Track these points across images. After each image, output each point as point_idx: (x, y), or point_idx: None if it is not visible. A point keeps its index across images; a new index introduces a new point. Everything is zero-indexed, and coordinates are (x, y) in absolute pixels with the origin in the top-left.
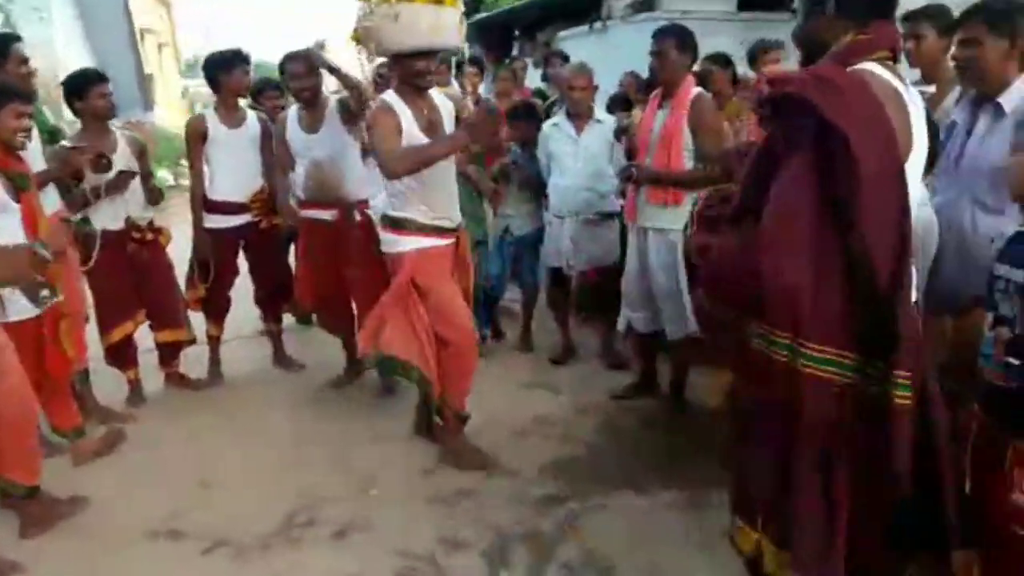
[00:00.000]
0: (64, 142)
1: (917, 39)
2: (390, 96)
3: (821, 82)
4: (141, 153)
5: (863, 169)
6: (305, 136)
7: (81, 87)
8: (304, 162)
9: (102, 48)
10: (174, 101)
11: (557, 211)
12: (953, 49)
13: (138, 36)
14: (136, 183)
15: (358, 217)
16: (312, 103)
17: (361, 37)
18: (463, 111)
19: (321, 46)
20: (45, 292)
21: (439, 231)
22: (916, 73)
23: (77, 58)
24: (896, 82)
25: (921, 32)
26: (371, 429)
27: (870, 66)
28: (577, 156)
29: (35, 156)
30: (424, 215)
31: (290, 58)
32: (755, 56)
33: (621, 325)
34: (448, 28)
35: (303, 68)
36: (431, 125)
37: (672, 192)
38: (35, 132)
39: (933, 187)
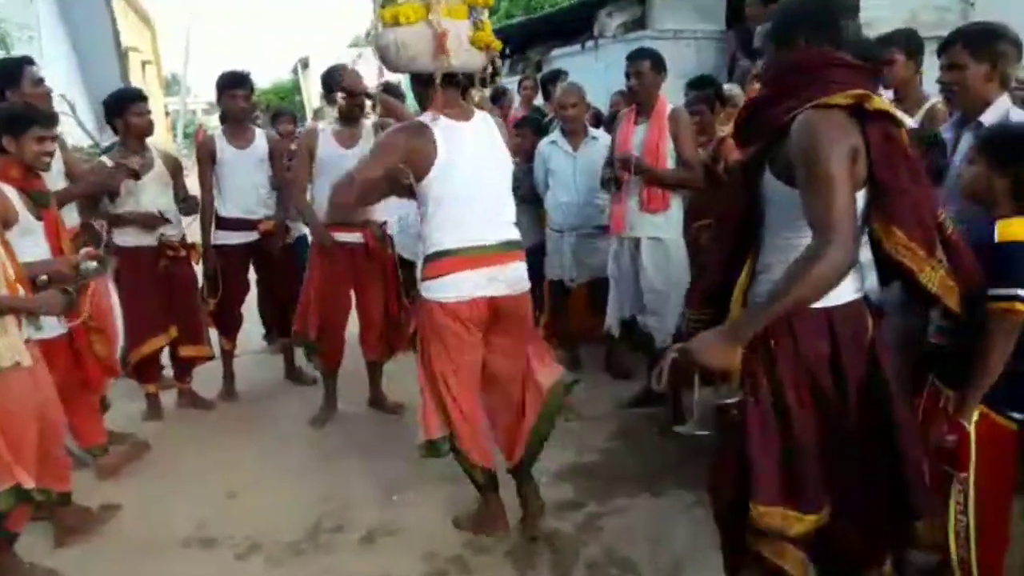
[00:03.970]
0: (103, 158)
1: (890, 63)
2: None
3: None
4: (176, 171)
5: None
6: (340, 152)
7: (119, 105)
8: (332, 180)
9: (90, 66)
10: (158, 119)
11: (557, 226)
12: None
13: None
14: (169, 202)
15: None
16: (359, 118)
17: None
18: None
19: (305, 64)
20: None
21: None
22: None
23: (65, 77)
24: None
25: (892, 56)
26: (384, 438)
27: None
28: (576, 172)
29: (55, 176)
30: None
31: (344, 70)
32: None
33: (613, 327)
34: None
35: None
36: None
37: (662, 196)
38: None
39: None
